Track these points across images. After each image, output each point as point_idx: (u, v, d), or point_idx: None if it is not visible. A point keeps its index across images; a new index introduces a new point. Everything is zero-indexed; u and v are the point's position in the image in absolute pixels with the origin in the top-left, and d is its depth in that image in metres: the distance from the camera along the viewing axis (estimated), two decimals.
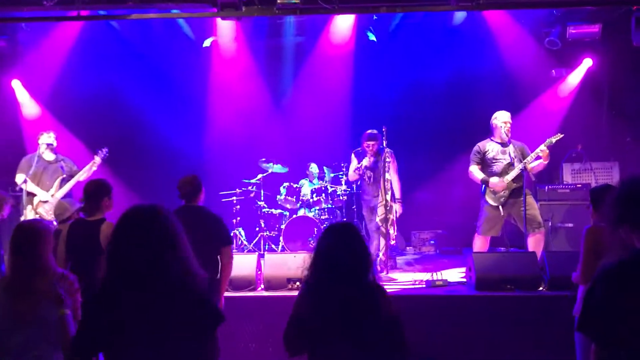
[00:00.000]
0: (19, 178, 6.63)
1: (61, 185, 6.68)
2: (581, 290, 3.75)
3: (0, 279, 3.10)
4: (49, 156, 6.78)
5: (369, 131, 6.85)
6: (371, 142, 6.77)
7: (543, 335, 4.95)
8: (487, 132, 6.66)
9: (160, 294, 2.24)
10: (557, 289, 5.13)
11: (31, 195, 6.63)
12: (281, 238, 7.77)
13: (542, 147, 6.13)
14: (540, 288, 5.31)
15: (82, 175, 6.66)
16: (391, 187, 6.63)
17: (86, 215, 3.91)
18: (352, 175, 7.09)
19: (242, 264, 5.46)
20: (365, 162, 6.80)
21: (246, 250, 7.82)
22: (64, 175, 6.72)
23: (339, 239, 2.67)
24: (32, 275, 2.90)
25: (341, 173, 8.26)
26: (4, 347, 2.85)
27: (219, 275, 4.40)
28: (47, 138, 6.73)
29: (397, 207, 6.83)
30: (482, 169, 6.47)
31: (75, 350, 2.29)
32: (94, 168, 6.71)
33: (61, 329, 2.69)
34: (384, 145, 6.48)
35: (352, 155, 7.14)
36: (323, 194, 8.02)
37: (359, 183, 7.44)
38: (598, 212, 3.73)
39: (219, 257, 4.38)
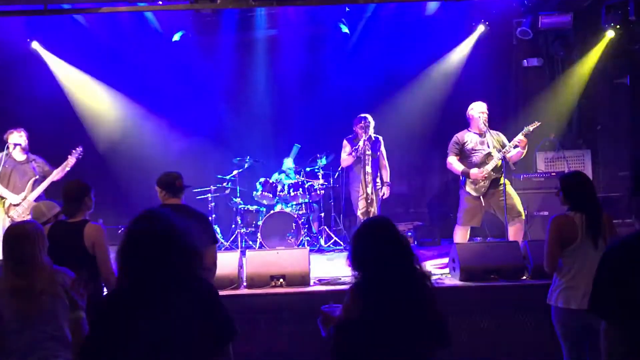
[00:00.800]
0: None
1: (34, 187, 6.39)
2: (554, 279, 3.79)
3: None
4: (20, 156, 6.47)
5: (361, 115, 7.10)
6: (364, 124, 6.96)
7: (528, 323, 4.98)
8: (463, 122, 6.66)
9: (174, 303, 2.14)
10: (540, 277, 5.15)
11: (2, 197, 6.34)
12: (259, 234, 7.65)
13: (520, 136, 6.17)
14: (524, 277, 5.33)
15: (55, 176, 6.43)
16: (373, 180, 6.65)
17: (67, 217, 3.76)
18: (347, 159, 7.20)
19: (224, 262, 5.31)
20: (362, 143, 6.89)
21: (223, 248, 7.68)
22: (37, 177, 6.45)
23: (382, 233, 2.59)
24: (29, 275, 2.88)
25: (317, 167, 8.19)
26: (12, 348, 2.85)
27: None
28: (18, 137, 6.42)
29: (385, 190, 7.23)
30: (461, 160, 6.47)
31: (84, 356, 2.20)
32: (68, 168, 6.47)
33: (75, 332, 2.63)
34: (365, 137, 6.45)
35: (345, 142, 7.30)
36: (300, 189, 7.93)
37: (342, 171, 7.50)
38: (567, 198, 3.75)
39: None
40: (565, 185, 3.77)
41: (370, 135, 6.98)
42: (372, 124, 7.04)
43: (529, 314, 4.98)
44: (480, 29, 8.42)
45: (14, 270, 2.91)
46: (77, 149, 6.57)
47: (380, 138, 7.27)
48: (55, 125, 8.20)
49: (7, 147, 6.37)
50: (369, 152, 6.53)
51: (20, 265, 2.91)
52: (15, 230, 3.01)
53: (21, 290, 2.87)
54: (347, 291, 2.58)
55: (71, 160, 6.49)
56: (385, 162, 7.33)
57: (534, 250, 5.36)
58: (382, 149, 7.27)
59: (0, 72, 8.24)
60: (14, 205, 6.30)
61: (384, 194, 7.24)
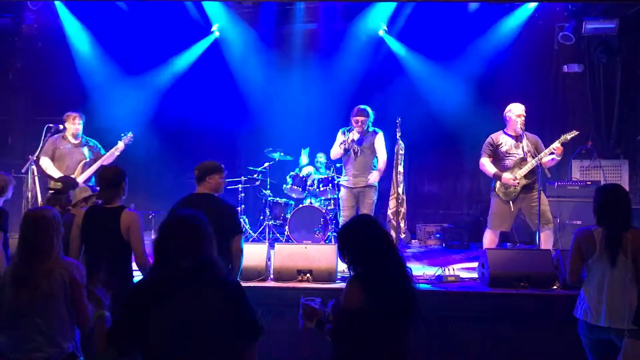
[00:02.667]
0: (44, 161, 6.44)
1: (83, 170, 6.51)
2: (580, 290, 3.80)
3: (7, 267, 3.09)
4: (73, 139, 6.61)
5: (358, 106, 6.79)
6: (360, 118, 6.69)
7: (556, 334, 4.88)
8: (497, 125, 6.54)
9: (201, 294, 2.17)
10: (572, 288, 5.05)
11: (50, 177, 6.36)
12: (286, 227, 7.67)
13: (557, 144, 6.04)
14: (555, 287, 5.23)
15: (105, 160, 6.56)
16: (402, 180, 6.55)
17: (104, 202, 3.81)
18: (337, 150, 6.89)
19: (253, 253, 5.36)
20: (353, 135, 6.67)
21: (251, 239, 7.74)
22: (87, 160, 6.57)
23: (374, 228, 2.76)
24: (32, 265, 2.88)
25: None
26: (10, 337, 2.87)
27: (229, 265, 4.31)
28: (74, 121, 6.56)
29: (375, 175, 6.79)
30: (494, 162, 6.34)
31: (110, 342, 2.24)
32: (117, 153, 6.59)
33: (99, 330, 2.62)
34: (398, 137, 6.35)
35: (339, 133, 6.99)
36: (330, 184, 7.90)
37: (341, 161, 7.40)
38: (594, 212, 3.74)
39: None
40: (594, 199, 3.77)
41: (366, 129, 6.71)
42: (370, 117, 6.74)
43: (558, 324, 4.88)
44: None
45: (22, 256, 2.91)
46: (128, 135, 6.66)
47: (379, 131, 6.86)
48: (96, 108, 8.33)
49: (65, 130, 6.53)
50: (401, 152, 6.43)
51: (30, 252, 2.89)
52: (32, 216, 3.00)
53: (20, 279, 2.86)
54: (346, 283, 2.71)
55: (121, 145, 6.61)
56: (383, 154, 6.82)
57: (566, 260, 5.24)
58: (381, 142, 6.82)
59: (50, 56, 8.40)
60: None
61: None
